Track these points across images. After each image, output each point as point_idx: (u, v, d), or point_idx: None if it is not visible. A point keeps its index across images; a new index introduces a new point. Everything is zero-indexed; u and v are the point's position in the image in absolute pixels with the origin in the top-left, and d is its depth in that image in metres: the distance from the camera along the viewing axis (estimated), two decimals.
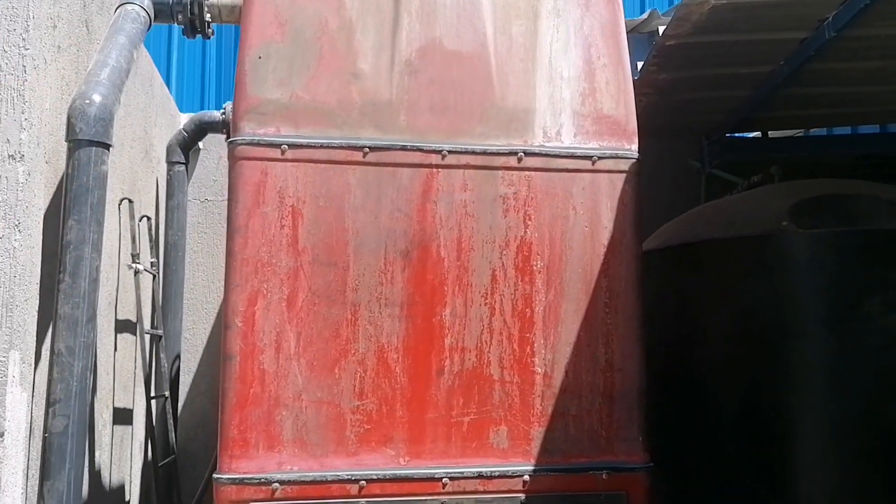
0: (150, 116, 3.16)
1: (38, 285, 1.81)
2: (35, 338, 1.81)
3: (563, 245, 2.03)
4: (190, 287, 3.62)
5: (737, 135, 4.00)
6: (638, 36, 3.35)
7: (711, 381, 2.93)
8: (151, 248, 3.02)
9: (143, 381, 2.98)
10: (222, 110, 3.32)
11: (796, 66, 2.86)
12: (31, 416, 1.81)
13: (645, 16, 3.36)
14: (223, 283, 3.89)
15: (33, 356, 1.80)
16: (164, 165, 3.33)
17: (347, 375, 1.90)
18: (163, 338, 2.97)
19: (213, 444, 3.43)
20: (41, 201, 1.88)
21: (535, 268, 2.02)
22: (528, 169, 2.05)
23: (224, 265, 3.87)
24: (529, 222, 2.03)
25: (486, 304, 1.98)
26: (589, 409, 1.98)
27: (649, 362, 3.04)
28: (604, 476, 1.93)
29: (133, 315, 2.84)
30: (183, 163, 3.31)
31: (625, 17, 2.25)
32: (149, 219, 3.01)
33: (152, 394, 2.84)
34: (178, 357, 3.28)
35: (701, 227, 3.25)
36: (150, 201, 3.20)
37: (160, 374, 2.92)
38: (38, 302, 1.81)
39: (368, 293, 1.94)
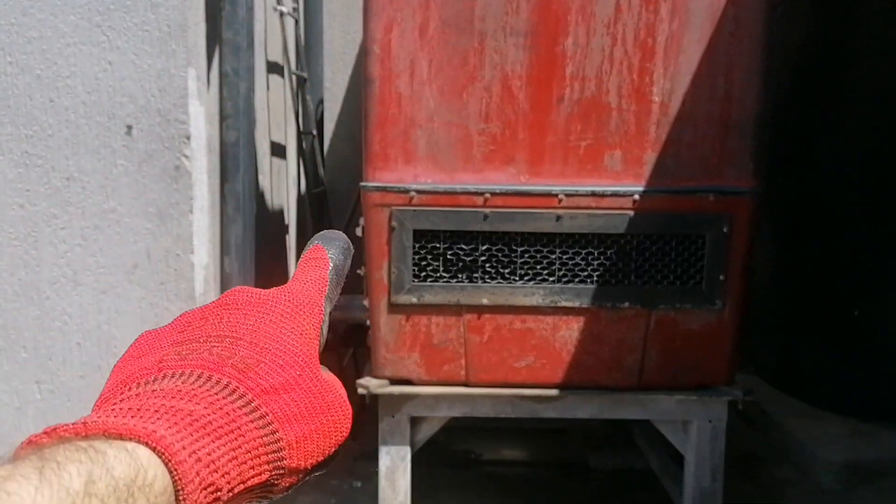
0: None
1: (204, 11, 2.05)
2: (206, 61, 2.08)
3: None
4: (328, 38, 3.81)
5: None
6: None
7: (849, 122, 2.87)
8: None
9: (292, 122, 3.31)
10: None
11: None
12: (208, 131, 2.14)
13: None
14: (358, 34, 4.05)
15: (206, 77, 2.09)
16: None
17: (474, 100, 2.08)
18: (307, 80, 3.24)
19: (354, 185, 3.82)
20: None
21: None
22: None
23: (360, 14, 4.01)
24: None
25: (608, 34, 2.04)
26: (703, 136, 2.07)
27: (786, 106, 3.01)
28: (711, 198, 2.07)
29: (280, 57, 3.10)
30: None
31: None
32: None
33: (302, 131, 3.17)
34: (321, 101, 3.57)
35: None
36: None
37: (307, 114, 3.23)
38: (204, 27, 2.06)
39: (495, 22, 2.05)
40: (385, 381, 2.23)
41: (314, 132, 3.25)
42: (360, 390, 2.21)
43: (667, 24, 2.02)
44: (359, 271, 2.33)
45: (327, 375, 0.41)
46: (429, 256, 2.14)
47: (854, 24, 2.87)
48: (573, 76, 2.06)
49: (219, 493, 0.33)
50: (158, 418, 0.32)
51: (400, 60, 2.06)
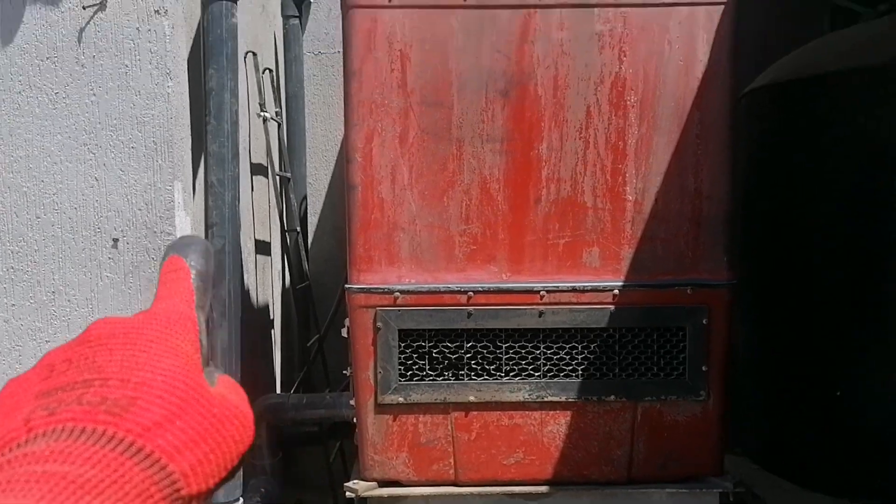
0: None
1: (189, 127, 2.12)
2: (191, 172, 2.14)
3: (658, 80, 2.12)
4: (310, 137, 3.92)
5: None
6: None
7: (825, 212, 2.97)
8: (275, 99, 3.30)
9: (277, 219, 3.37)
10: None
11: None
12: None
13: None
14: (339, 131, 4.16)
15: (192, 187, 2.14)
16: (280, 20, 3.54)
17: (455, 203, 2.14)
18: (290, 180, 3.31)
19: (338, 277, 3.86)
20: (184, 52, 2.14)
21: (628, 102, 2.13)
22: (625, 5, 2.10)
23: (340, 113, 4.11)
24: (624, 58, 2.12)
25: (580, 138, 2.13)
26: (676, 232, 2.14)
27: (760, 196, 3.11)
28: (688, 291, 2.12)
29: (264, 160, 3.18)
30: (297, 16, 3.51)
31: None
32: (270, 71, 3.27)
33: (286, 228, 3.22)
34: (304, 198, 3.64)
35: (817, 60, 3.16)
36: (270, 55, 3.45)
37: (291, 212, 3.29)
38: (190, 141, 2.12)
39: (471, 130, 2.13)
40: (373, 484, 2.21)
41: (298, 229, 3.30)
42: (349, 494, 2.18)
43: (636, 128, 2.12)
44: (345, 371, 2.33)
45: (219, 387, 0.39)
46: (414, 355, 2.16)
47: (814, 113, 3.01)
48: (549, 178, 2.14)
49: None
50: (30, 489, 0.31)
51: (381, 167, 2.13)
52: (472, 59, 2.11)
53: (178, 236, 2.00)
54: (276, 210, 3.32)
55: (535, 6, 2.11)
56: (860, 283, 2.86)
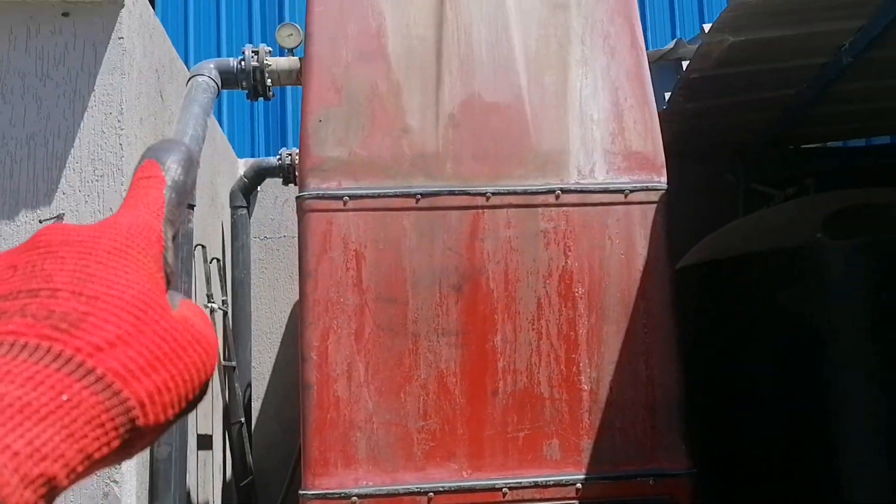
0: (214, 166, 3.46)
1: None
2: None
3: (602, 272, 2.23)
4: (255, 319, 3.89)
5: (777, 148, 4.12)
6: (665, 63, 3.53)
7: (754, 388, 3.07)
8: (221, 287, 3.29)
9: (221, 409, 3.25)
10: (278, 156, 3.60)
11: (820, 88, 3.00)
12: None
13: (671, 45, 3.54)
14: (284, 314, 4.14)
15: None
16: (228, 210, 3.61)
17: (412, 399, 2.12)
18: (235, 368, 3.24)
19: (284, 464, 3.68)
20: None
21: (576, 294, 2.21)
22: (566, 205, 2.25)
23: (285, 296, 4.10)
24: (570, 253, 2.23)
25: (533, 330, 2.18)
26: (633, 420, 2.15)
27: (695, 372, 3.20)
28: (651, 482, 2.11)
29: None
30: (245, 206, 3.60)
31: (653, 45, 2.45)
32: (218, 260, 3.29)
33: (230, 420, 3.10)
34: (248, 385, 3.54)
35: (737, 240, 3.39)
36: (218, 244, 3.49)
37: (235, 402, 3.18)
38: None
39: (427, 324, 2.16)
40: None
41: (242, 419, 3.18)
42: None
43: (586, 319, 2.19)
44: None
45: (181, 310, 0.35)
46: None
47: (734, 291, 3.19)
48: (505, 370, 2.16)
49: (54, 482, 0.28)
50: None
51: (337, 364, 2.11)
52: (425, 256, 2.19)
53: None
54: (220, 400, 3.21)
55: (483, 206, 2.23)
56: (810, 459, 2.90)
